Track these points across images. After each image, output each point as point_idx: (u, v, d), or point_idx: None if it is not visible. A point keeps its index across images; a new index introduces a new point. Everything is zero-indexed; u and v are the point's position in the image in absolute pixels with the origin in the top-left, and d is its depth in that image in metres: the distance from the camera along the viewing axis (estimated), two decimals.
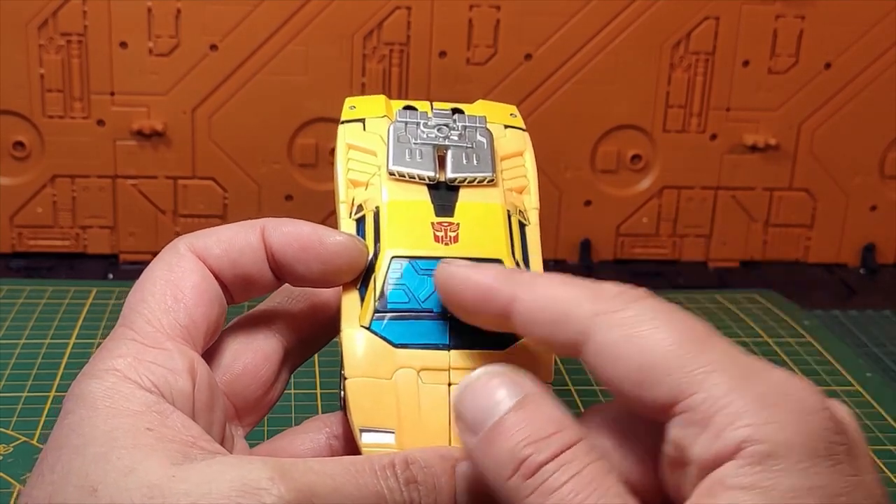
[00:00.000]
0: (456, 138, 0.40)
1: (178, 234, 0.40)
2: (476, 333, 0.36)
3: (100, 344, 0.36)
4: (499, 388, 0.32)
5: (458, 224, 0.38)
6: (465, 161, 0.39)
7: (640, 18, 0.78)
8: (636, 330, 0.31)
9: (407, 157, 0.39)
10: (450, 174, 0.39)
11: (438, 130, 0.40)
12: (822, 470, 0.29)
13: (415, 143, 0.40)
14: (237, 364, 0.39)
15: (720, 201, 0.83)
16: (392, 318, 0.36)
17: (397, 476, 0.32)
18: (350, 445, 0.37)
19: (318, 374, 0.61)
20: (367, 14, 0.76)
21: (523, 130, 0.42)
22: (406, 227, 0.38)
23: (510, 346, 0.37)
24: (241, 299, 0.39)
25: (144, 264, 0.38)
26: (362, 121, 0.41)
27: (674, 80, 0.80)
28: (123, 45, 0.75)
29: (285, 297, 0.41)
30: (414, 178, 0.39)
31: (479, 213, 0.38)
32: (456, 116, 0.41)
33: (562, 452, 0.30)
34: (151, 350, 0.34)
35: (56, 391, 0.58)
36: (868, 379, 0.65)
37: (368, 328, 0.36)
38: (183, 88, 0.76)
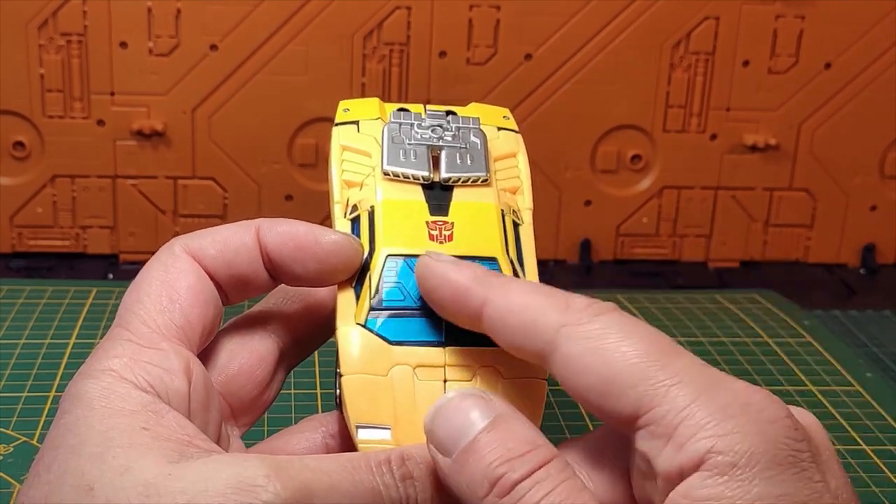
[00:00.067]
0: (450, 139, 0.40)
1: (177, 234, 0.40)
2: (471, 331, 0.37)
3: (98, 344, 0.36)
4: (471, 409, 0.32)
5: (452, 223, 0.38)
6: (459, 161, 0.40)
7: (640, 18, 0.78)
8: (601, 343, 0.32)
9: (401, 157, 0.39)
10: (444, 174, 0.39)
11: (432, 131, 0.40)
12: (787, 478, 0.29)
13: (409, 144, 0.40)
14: (233, 364, 0.39)
15: (720, 201, 0.83)
16: (387, 316, 0.37)
17: (393, 472, 0.33)
18: (346, 444, 0.37)
19: (317, 373, 0.61)
20: (367, 14, 0.76)
21: (516, 132, 0.43)
22: (401, 226, 0.38)
23: None
24: (236, 300, 0.39)
25: (144, 264, 0.38)
26: (356, 123, 0.41)
27: (674, 80, 0.80)
28: (123, 45, 0.75)
29: (281, 297, 0.41)
30: (408, 177, 0.39)
31: (474, 212, 0.39)
32: (450, 118, 0.41)
33: (536, 470, 0.30)
34: (147, 350, 0.35)
35: (56, 391, 0.58)
36: (868, 379, 0.65)
37: (364, 326, 0.37)
38: (183, 88, 0.77)
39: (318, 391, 0.60)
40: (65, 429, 0.33)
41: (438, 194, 0.39)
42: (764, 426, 0.30)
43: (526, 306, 0.33)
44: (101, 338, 0.36)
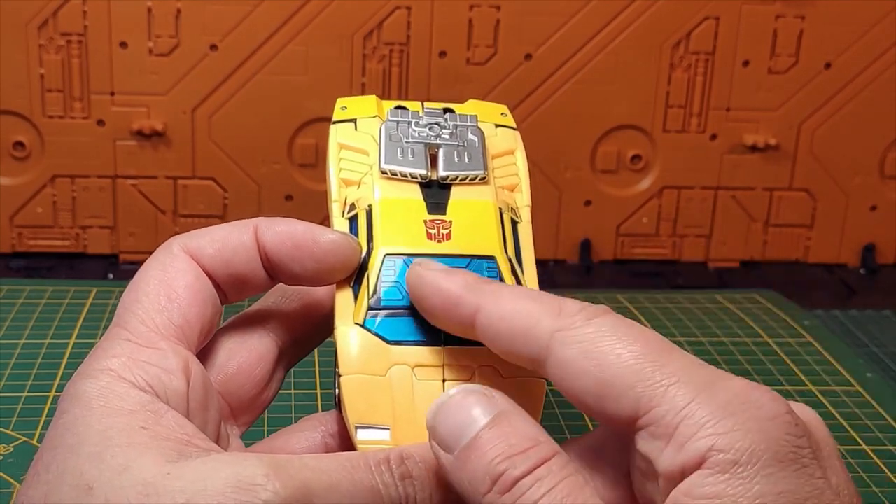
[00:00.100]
0: (447, 137, 0.40)
1: (177, 234, 0.40)
2: None
3: (97, 344, 0.36)
4: (473, 406, 0.32)
5: (450, 221, 0.38)
6: (456, 159, 0.40)
7: (640, 18, 0.78)
8: (596, 346, 0.32)
9: (399, 155, 0.39)
10: (442, 172, 0.39)
11: (430, 129, 0.40)
12: (788, 474, 0.29)
13: (406, 142, 0.40)
14: (231, 364, 0.39)
15: (720, 201, 0.83)
16: (386, 316, 0.37)
17: (392, 471, 0.33)
18: (346, 443, 0.37)
19: (317, 373, 0.61)
20: (367, 14, 0.76)
21: (514, 129, 0.42)
22: (399, 225, 0.38)
23: None
24: (235, 299, 0.39)
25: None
26: (354, 121, 0.41)
27: (674, 80, 0.80)
28: (123, 45, 0.75)
29: (279, 296, 0.41)
30: (406, 176, 0.39)
31: (472, 210, 0.39)
32: (447, 115, 0.41)
33: (537, 467, 0.30)
34: (145, 350, 0.35)
35: (56, 391, 0.58)
36: (868, 379, 0.65)
37: (362, 325, 0.36)
38: (183, 88, 0.77)
39: (318, 390, 0.60)
40: (63, 428, 0.33)
41: (436, 193, 0.39)
42: (764, 423, 0.30)
43: (518, 313, 0.33)
44: (100, 338, 0.36)
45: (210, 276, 0.37)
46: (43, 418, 0.56)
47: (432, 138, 0.40)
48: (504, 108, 0.44)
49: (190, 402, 0.35)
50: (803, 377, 0.65)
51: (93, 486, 0.31)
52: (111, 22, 0.74)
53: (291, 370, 0.42)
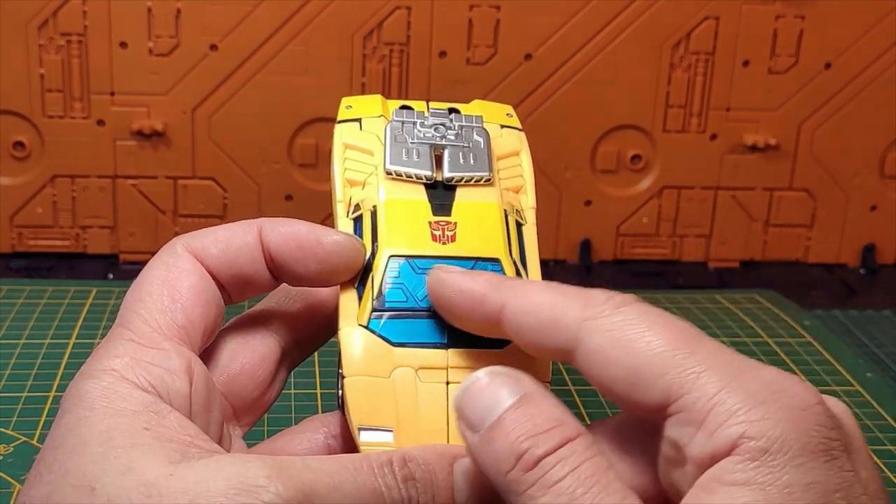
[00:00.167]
0: (453, 138, 0.40)
1: (178, 234, 0.40)
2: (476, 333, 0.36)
3: (99, 344, 0.36)
4: (500, 388, 0.32)
5: (455, 223, 0.38)
6: (461, 160, 0.39)
7: (640, 18, 0.78)
8: (625, 334, 0.32)
9: (404, 156, 0.39)
10: (447, 173, 0.39)
11: (435, 130, 0.40)
12: (818, 465, 0.29)
13: (412, 143, 0.40)
14: (234, 364, 0.39)
15: (720, 201, 0.83)
16: (390, 317, 0.36)
17: (395, 474, 0.33)
18: (348, 445, 0.37)
19: (317, 374, 0.61)
20: (367, 14, 0.76)
21: (520, 130, 0.42)
22: (403, 226, 0.38)
23: (508, 345, 0.37)
24: (238, 299, 0.39)
25: (144, 264, 0.38)
26: (359, 120, 0.41)
27: (674, 80, 0.80)
28: (123, 45, 0.75)
29: (282, 297, 0.41)
30: (411, 177, 0.39)
31: (477, 212, 0.39)
32: (452, 116, 0.41)
33: (560, 447, 0.30)
34: (148, 350, 0.35)
35: (56, 391, 0.58)
36: (868, 379, 0.65)
37: (366, 327, 0.36)
38: (183, 88, 0.76)
39: (319, 391, 0.60)
40: (66, 429, 0.33)
41: (441, 194, 0.39)
42: (796, 413, 0.30)
43: (545, 305, 0.33)
44: (101, 338, 0.36)
45: (214, 277, 0.37)
46: (43, 418, 0.56)
47: (437, 139, 0.40)
48: (509, 109, 0.43)
49: (192, 403, 0.35)
50: (803, 377, 0.65)
51: (95, 486, 0.31)
52: (111, 22, 0.74)
53: (292, 371, 0.42)
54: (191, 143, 0.78)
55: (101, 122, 0.77)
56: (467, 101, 0.43)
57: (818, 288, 0.83)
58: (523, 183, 0.41)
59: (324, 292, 0.40)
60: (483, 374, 0.33)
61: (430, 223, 0.38)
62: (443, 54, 0.78)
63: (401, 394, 0.35)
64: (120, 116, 0.76)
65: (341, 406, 0.36)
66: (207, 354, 0.38)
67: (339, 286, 0.38)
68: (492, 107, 0.43)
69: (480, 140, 0.40)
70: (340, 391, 0.36)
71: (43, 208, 0.78)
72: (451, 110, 0.41)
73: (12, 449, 0.53)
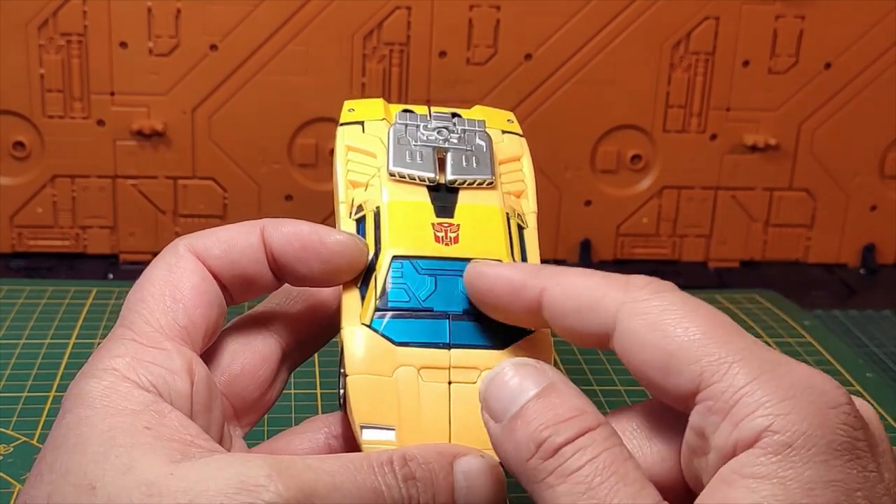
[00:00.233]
0: (455, 141, 0.40)
1: (178, 234, 0.40)
2: (476, 333, 0.37)
3: (100, 344, 0.36)
4: (525, 379, 0.32)
5: (458, 225, 0.38)
6: (464, 163, 0.40)
7: (640, 18, 0.78)
8: (663, 318, 0.32)
9: (407, 158, 0.39)
10: (449, 176, 0.39)
11: (438, 133, 0.40)
12: (842, 464, 0.29)
13: (415, 145, 0.40)
14: (235, 364, 0.39)
15: (720, 201, 0.83)
16: (393, 317, 0.37)
17: (395, 473, 0.33)
18: (349, 445, 0.37)
19: (318, 374, 0.61)
20: (367, 14, 0.76)
21: (520, 136, 0.43)
22: (407, 227, 0.38)
23: (510, 345, 0.37)
24: (240, 300, 0.39)
25: (144, 264, 0.38)
26: (361, 123, 0.41)
27: (674, 80, 0.80)
28: (123, 45, 0.75)
29: (284, 297, 0.41)
30: (414, 179, 0.39)
31: (479, 214, 0.39)
32: (455, 120, 0.41)
33: (580, 436, 0.31)
34: (150, 350, 0.35)
35: (56, 391, 0.58)
36: (868, 379, 0.65)
37: (369, 326, 0.37)
38: (183, 88, 0.76)
39: (319, 391, 0.60)
40: (67, 428, 0.33)
41: (444, 196, 0.39)
42: (823, 410, 0.30)
43: (585, 288, 0.34)
44: (101, 338, 0.36)
45: (216, 277, 0.37)
46: (43, 418, 0.55)
47: (440, 142, 0.40)
48: (510, 115, 0.44)
49: (193, 403, 0.35)
50: None
51: (96, 485, 0.31)
52: (111, 22, 0.74)
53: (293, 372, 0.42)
54: (191, 143, 0.78)
55: (101, 122, 0.77)
56: (467, 101, 0.44)
57: (818, 288, 0.83)
58: (524, 187, 0.41)
59: (325, 293, 0.40)
60: (508, 366, 0.33)
61: (433, 224, 0.38)
62: (443, 54, 0.78)
63: (403, 393, 0.36)
64: (120, 116, 0.76)
65: (343, 405, 0.36)
66: (209, 355, 0.38)
67: (341, 286, 0.38)
68: (493, 112, 0.44)
69: (483, 144, 0.40)
70: (342, 390, 0.36)
71: (43, 208, 0.78)
72: (454, 114, 0.42)
73: (12, 449, 0.53)
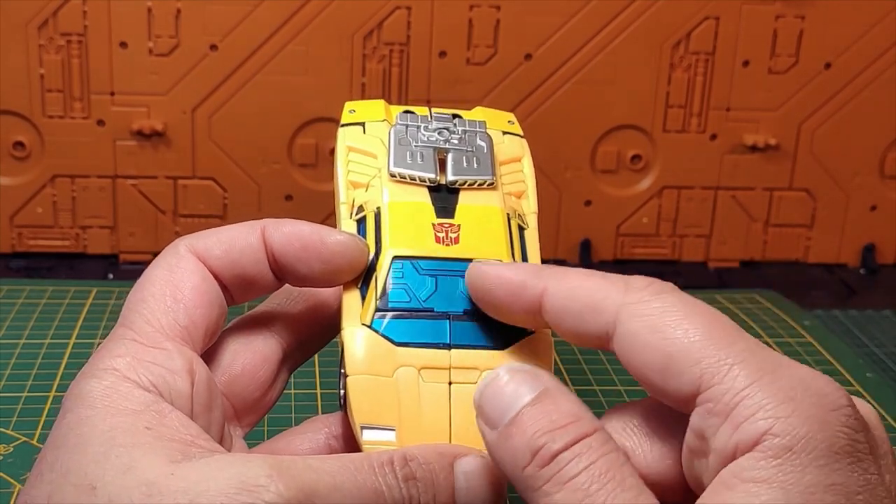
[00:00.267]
0: (456, 142, 0.40)
1: (178, 234, 0.40)
2: (477, 333, 0.37)
3: (100, 344, 0.36)
4: (520, 385, 0.32)
5: (458, 226, 0.38)
6: (465, 164, 0.40)
7: (640, 18, 0.78)
8: (663, 320, 0.32)
9: (408, 159, 0.40)
10: (450, 177, 0.40)
11: (439, 134, 0.41)
12: (842, 467, 0.29)
13: (416, 146, 0.40)
14: (236, 365, 0.39)
15: (720, 201, 0.83)
16: (393, 317, 0.37)
17: (396, 473, 0.33)
18: (350, 445, 0.37)
19: (318, 374, 0.61)
20: (367, 14, 0.76)
21: (521, 137, 0.43)
22: (407, 227, 0.38)
23: (511, 346, 0.37)
24: (241, 300, 0.39)
25: (144, 264, 0.38)
26: (362, 124, 0.41)
27: (674, 80, 0.80)
28: (123, 45, 0.75)
29: (285, 298, 0.41)
30: (415, 179, 0.39)
31: (480, 215, 0.39)
32: (456, 121, 0.41)
33: (576, 442, 0.30)
34: (150, 350, 0.35)
35: (56, 391, 0.58)
36: (868, 379, 0.65)
37: (370, 326, 0.37)
38: (183, 88, 0.76)
39: (319, 391, 0.60)
40: (67, 428, 0.33)
41: (444, 197, 0.39)
42: (824, 412, 0.29)
43: (585, 289, 0.34)
44: (101, 338, 0.36)
45: (217, 277, 0.37)
46: (43, 418, 0.55)
47: (441, 143, 0.40)
48: (511, 116, 0.44)
49: (194, 403, 0.35)
50: None
51: (96, 485, 0.31)
52: (111, 22, 0.74)
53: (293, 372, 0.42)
54: (191, 143, 0.78)
55: (101, 122, 0.77)
56: (467, 101, 0.44)
57: (818, 288, 0.83)
58: (525, 188, 0.41)
59: (325, 294, 0.40)
60: (503, 371, 0.33)
61: (433, 225, 0.38)
62: (443, 54, 0.78)
63: (403, 393, 0.36)
64: (120, 116, 0.76)
65: (343, 405, 0.36)
66: (209, 355, 0.38)
67: (341, 287, 0.38)
68: (494, 113, 0.44)
69: (483, 144, 0.41)
70: (343, 390, 0.36)
71: (43, 208, 0.78)
72: (455, 115, 0.42)
73: (12, 449, 0.53)
